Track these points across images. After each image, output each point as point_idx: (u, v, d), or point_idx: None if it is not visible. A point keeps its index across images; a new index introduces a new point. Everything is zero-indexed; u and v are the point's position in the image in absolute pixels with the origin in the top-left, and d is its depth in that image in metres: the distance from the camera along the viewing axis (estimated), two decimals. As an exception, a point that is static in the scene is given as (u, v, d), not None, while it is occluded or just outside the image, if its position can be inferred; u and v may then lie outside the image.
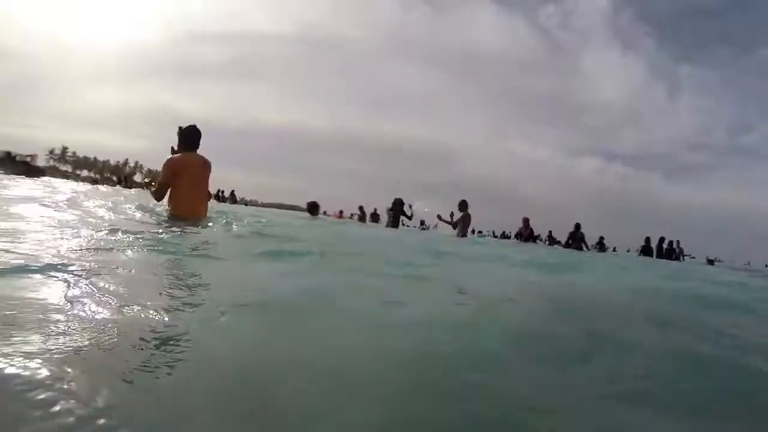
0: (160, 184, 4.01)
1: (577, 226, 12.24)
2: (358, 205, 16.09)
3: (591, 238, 14.58)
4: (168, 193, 3.98)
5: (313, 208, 10.09)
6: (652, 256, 13.59)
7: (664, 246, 14.52)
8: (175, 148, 4.09)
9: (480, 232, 22.07)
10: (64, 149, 66.25)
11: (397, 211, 9.81)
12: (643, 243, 14.12)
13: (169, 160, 4.01)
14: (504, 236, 19.17)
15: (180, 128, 4.10)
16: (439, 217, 9.23)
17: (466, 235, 9.13)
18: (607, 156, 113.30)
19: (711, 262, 17.01)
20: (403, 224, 10.17)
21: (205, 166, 4.12)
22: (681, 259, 14.98)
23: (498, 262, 4.27)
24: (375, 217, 17.46)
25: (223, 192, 22.21)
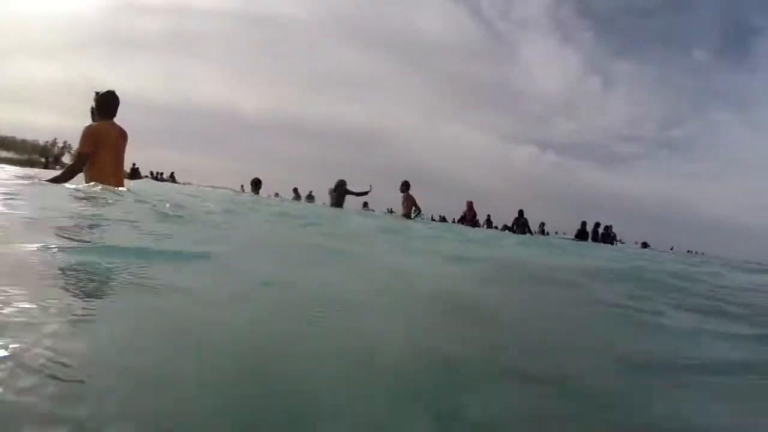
0: (80, 154, 3.62)
1: (521, 213, 13.04)
2: (293, 188, 16.36)
3: (533, 224, 15.22)
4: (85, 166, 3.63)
5: (257, 184, 10.13)
6: (587, 240, 14.40)
7: (600, 231, 15.45)
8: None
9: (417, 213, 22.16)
10: None
11: (341, 192, 9.65)
12: (578, 227, 14.94)
13: (88, 128, 3.64)
14: (443, 220, 19.48)
15: (97, 93, 3.74)
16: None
17: (409, 216, 9.24)
18: (542, 144, 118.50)
19: (645, 245, 18.29)
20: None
21: (124, 137, 3.79)
22: (614, 243, 16.01)
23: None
24: (310, 198, 17.40)
25: (161, 174, 21.00)
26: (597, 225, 15.59)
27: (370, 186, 9.90)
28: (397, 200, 9.62)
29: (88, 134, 3.62)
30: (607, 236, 15.52)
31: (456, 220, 14.98)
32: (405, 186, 9.49)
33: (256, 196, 9.39)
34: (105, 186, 3.47)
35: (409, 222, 8.00)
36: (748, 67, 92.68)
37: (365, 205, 13.87)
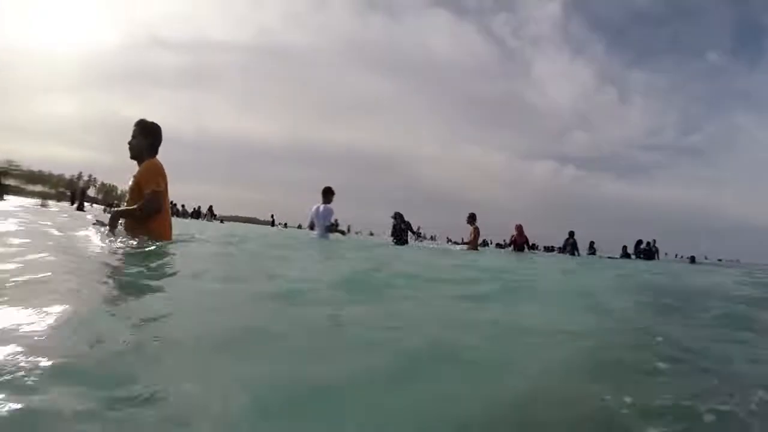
0: (156, 193, 3.02)
1: (571, 234, 12.77)
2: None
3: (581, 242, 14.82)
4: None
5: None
6: (630, 258, 13.97)
7: (642, 246, 14.99)
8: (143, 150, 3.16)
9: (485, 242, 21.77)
10: (9, 162, 61.00)
11: (402, 226, 9.41)
12: (623, 246, 14.57)
13: (156, 163, 3.14)
14: (499, 246, 19.41)
15: (145, 123, 3.22)
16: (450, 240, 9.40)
17: (476, 248, 9.21)
18: (561, 158, 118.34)
19: (693, 259, 17.69)
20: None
21: None
22: (656, 257, 15.50)
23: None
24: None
25: (199, 208, 21.23)
26: (639, 242, 15.16)
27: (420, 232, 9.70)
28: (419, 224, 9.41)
29: (158, 170, 3.11)
30: (649, 252, 15.05)
31: (507, 243, 14.71)
32: (472, 218, 9.38)
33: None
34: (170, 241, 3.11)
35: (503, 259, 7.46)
36: (762, 66, 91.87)
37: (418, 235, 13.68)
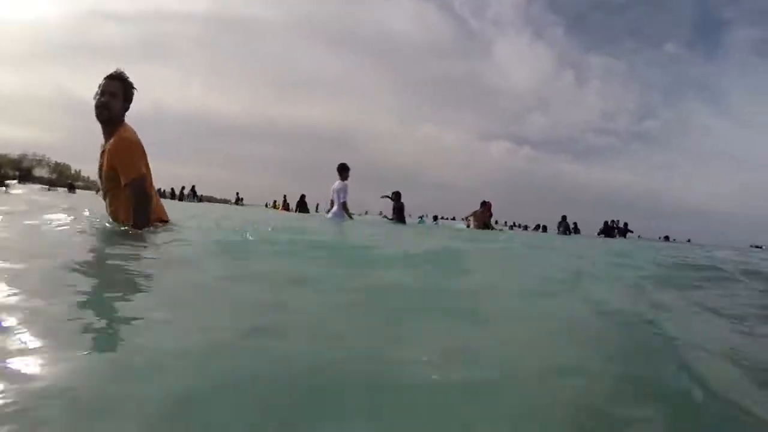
0: (143, 178, 2.48)
1: (564, 217, 13.69)
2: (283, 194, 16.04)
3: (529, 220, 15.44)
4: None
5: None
6: (613, 236, 14.72)
7: (619, 226, 15.87)
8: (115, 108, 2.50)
9: (420, 217, 21.94)
10: None
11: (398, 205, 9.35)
12: (603, 225, 15.34)
13: (131, 137, 2.50)
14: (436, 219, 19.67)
15: (128, 79, 2.57)
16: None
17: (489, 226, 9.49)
18: (518, 140, 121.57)
19: (666, 238, 18.82)
20: (387, 217, 9.64)
21: None
22: (625, 236, 16.43)
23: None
24: (302, 206, 16.56)
25: (183, 188, 20.39)
26: (613, 222, 16.00)
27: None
28: (371, 202, 9.58)
29: (135, 145, 2.51)
30: (625, 231, 15.93)
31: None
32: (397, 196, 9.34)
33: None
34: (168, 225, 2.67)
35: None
36: (719, 58, 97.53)
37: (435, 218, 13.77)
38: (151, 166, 2.60)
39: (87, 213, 3.01)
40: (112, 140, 2.46)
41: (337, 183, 6.65)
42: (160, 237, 2.36)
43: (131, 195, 2.45)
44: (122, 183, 2.44)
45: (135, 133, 2.56)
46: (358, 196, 9.43)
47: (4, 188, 13.21)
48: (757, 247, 19.83)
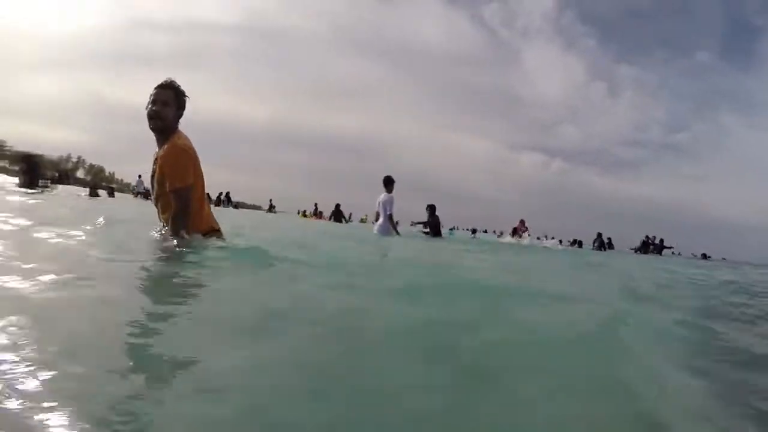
0: (189, 188, 2.50)
1: (599, 234, 13.54)
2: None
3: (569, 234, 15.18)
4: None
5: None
6: (648, 253, 14.39)
7: (655, 242, 15.47)
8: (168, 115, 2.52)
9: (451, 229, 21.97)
10: (1, 143, 58.37)
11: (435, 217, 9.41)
12: (640, 242, 15.01)
13: (182, 146, 2.52)
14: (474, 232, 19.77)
15: (179, 87, 2.60)
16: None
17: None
18: (548, 151, 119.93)
19: (705, 256, 18.23)
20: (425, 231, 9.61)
21: None
22: (661, 253, 16.01)
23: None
24: (337, 214, 16.75)
25: (220, 194, 20.71)
26: (651, 238, 15.63)
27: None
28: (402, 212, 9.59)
29: (187, 155, 2.52)
30: (660, 248, 15.54)
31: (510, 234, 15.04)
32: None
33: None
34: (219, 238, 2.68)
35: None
36: (752, 68, 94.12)
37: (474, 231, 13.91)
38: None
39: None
40: (164, 147, 2.52)
41: (384, 195, 6.77)
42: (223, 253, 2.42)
43: (174, 202, 2.50)
44: (167, 189, 2.49)
45: (188, 140, 2.58)
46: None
47: (49, 189, 13.74)
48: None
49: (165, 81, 2.58)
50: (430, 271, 3.15)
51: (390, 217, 6.75)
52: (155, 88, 2.55)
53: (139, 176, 19.89)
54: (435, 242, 7.25)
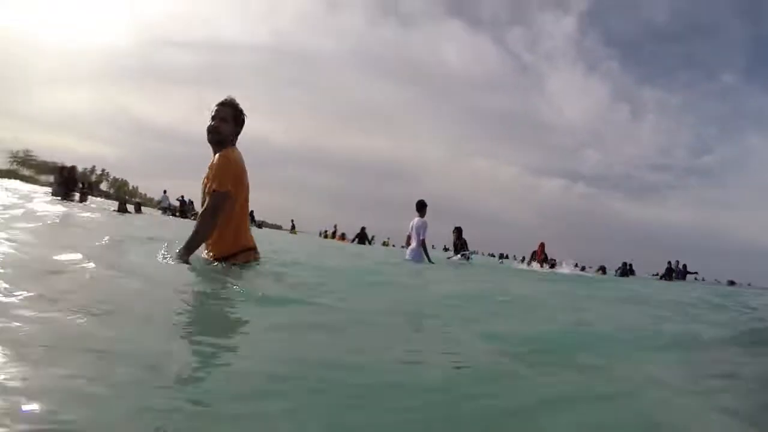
0: (225, 194, 2.49)
1: (624, 263, 13.56)
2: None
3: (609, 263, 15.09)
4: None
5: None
6: (672, 279, 14.21)
7: (678, 268, 15.27)
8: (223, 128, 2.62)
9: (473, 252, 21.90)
10: (28, 152, 61.00)
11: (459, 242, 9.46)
12: (665, 269, 14.84)
13: (231, 156, 2.57)
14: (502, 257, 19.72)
15: (238, 106, 2.71)
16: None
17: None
18: (572, 175, 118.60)
19: (732, 283, 17.97)
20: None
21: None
22: (684, 278, 15.77)
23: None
24: (362, 237, 17.08)
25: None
26: (676, 263, 15.45)
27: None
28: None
29: (231, 163, 2.56)
30: (684, 273, 15.33)
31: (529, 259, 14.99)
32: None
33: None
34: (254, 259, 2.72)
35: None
36: None
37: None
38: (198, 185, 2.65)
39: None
40: (215, 157, 2.61)
41: (417, 220, 6.63)
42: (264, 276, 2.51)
43: (208, 202, 2.52)
44: (206, 191, 2.56)
45: (240, 155, 2.65)
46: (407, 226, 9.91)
47: (86, 201, 14.13)
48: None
49: (225, 99, 2.70)
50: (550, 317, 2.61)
51: (423, 243, 6.58)
52: (216, 105, 2.67)
53: (165, 191, 20.46)
54: (474, 270, 7.02)
